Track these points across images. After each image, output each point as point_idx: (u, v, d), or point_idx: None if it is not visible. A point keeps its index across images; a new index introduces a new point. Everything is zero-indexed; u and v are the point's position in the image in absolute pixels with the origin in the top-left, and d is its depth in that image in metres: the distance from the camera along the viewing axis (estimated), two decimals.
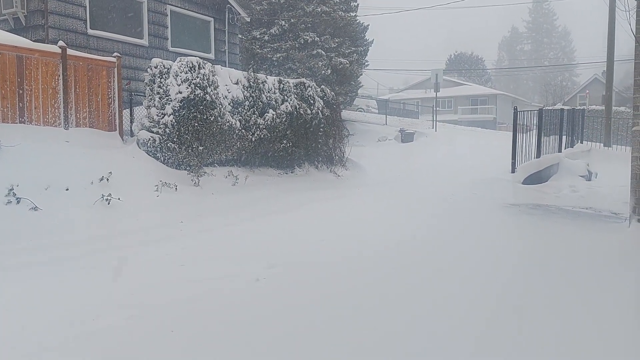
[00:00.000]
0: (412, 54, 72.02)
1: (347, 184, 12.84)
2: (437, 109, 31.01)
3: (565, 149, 15.82)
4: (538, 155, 13.48)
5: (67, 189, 7.53)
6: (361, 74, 26.81)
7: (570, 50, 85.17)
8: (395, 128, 27.28)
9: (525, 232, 7.55)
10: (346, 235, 6.74)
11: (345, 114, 17.78)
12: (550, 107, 16.54)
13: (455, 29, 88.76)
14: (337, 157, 14.40)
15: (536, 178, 12.69)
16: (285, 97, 12.37)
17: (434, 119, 29.03)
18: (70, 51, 9.13)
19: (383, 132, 26.69)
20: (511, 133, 13.38)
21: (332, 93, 14.61)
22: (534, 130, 13.79)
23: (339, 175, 13.71)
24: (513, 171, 12.68)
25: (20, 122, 8.41)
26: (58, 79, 8.90)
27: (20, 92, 8.41)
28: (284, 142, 12.09)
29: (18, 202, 6.86)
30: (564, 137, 15.81)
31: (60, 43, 9.09)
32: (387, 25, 55.44)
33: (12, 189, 6.92)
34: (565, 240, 6.84)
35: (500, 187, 11.48)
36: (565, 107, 16.87)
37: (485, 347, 3.42)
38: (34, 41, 9.71)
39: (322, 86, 14.46)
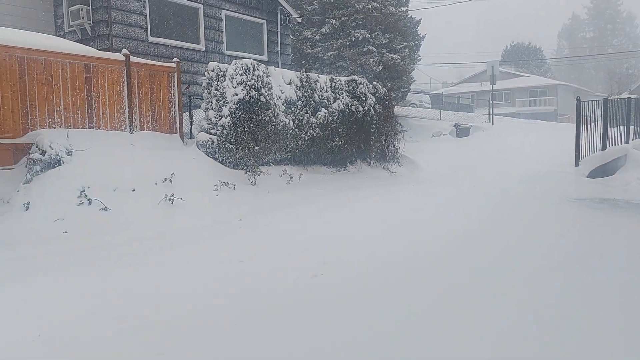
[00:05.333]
0: (466, 47, 70.30)
1: (401, 180, 12.74)
2: (494, 102, 30.13)
3: (633, 139, 14.99)
4: (603, 147, 12.87)
5: (133, 190, 7.93)
6: (413, 69, 26.47)
7: (636, 36, 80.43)
8: (449, 123, 26.77)
9: (597, 228, 7.21)
10: (401, 232, 6.70)
11: (397, 109, 17.62)
12: (616, 97, 15.69)
13: (510, 19, 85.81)
14: (390, 153, 14.32)
15: (602, 171, 12.13)
16: (337, 95, 12.44)
17: (491, 112, 28.23)
18: (133, 58, 9.59)
19: (437, 127, 26.25)
20: (573, 125, 12.84)
21: (384, 89, 14.53)
22: (599, 121, 13.16)
23: (392, 172, 13.62)
24: (577, 164, 12.17)
25: (89, 127, 8.92)
26: (123, 85, 9.37)
27: (89, 99, 8.92)
28: (336, 139, 12.16)
29: (89, 202, 7.30)
30: (631, 128, 14.98)
31: (124, 51, 9.57)
32: (439, 19, 54.32)
33: (83, 191, 7.37)
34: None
35: (563, 181, 11.06)
36: (633, 96, 15.97)
37: None
38: (99, 50, 10.26)
39: (374, 82, 14.41)
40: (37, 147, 7.88)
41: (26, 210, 6.88)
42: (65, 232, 6.60)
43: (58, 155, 7.77)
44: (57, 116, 8.50)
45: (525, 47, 65.80)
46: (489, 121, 27.97)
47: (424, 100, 40.62)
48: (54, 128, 8.40)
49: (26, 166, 7.80)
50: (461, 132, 23.94)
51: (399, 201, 9.25)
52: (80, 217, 7.03)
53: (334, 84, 12.45)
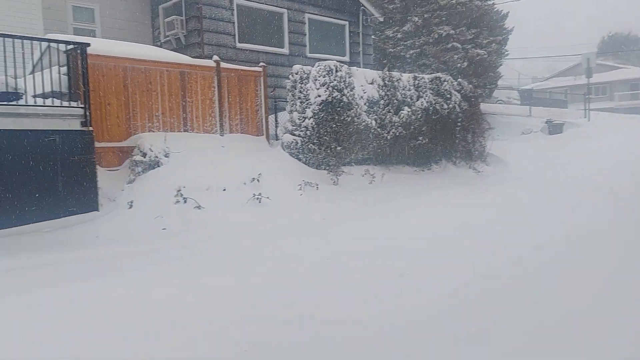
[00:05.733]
0: (557, 40, 66.22)
1: (488, 180, 12.30)
2: (590, 96, 28.15)
3: None
4: None
5: (224, 190, 8.35)
6: (500, 64, 25.40)
7: None
8: (540, 119, 25.37)
9: None
10: (489, 233, 6.49)
11: (484, 107, 17.01)
12: None
13: (607, 8, 79.67)
14: (476, 152, 13.87)
15: None
16: (421, 93, 12.27)
17: (587, 107, 26.41)
18: (223, 64, 10.09)
19: (527, 124, 24.99)
20: None
21: (470, 86, 14.11)
22: None
23: (478, 171, 13.19)
24: None
25: (183, 131, 9.50)
26: (213, 90, 9.88)
27: (183, 104, 9.50)
28: (420, 138, 11.99)
29: (185, 201, 7.79)
30: None
31: (215, 57, 10.09)
32: (528, 11, 51.66)
33: (179, 190, 7.87)
34: None
35: None
36: None
37: None
38: (192, 57, 10.88)
39: (459, 79, 14.04)
40: (138, 149, 8.53)
41: (130, 208, 7.47)
42: (164, 229, 7.09)
43: (157, 157, 8.36)
44: (156, 121, 9.14)
45: (624, 37, 60.70)
46: (585, 117, 26.18)
47: (512, 97, 38.83)
48: (153, 132, 9.05)
49: (129, 167, 8.47)
50: (554, 128, 22.60)
51: (486, 201, 8.95)
52: (177, 214, 7.52)
53: (417, 82, 12.30)
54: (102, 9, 13.01)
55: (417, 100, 12.12)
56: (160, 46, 13.19)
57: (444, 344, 3.30)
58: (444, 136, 12.73)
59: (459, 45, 21.17)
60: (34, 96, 7.16)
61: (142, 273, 5.07)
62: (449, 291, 4.23)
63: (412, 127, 11.76)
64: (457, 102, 13.08)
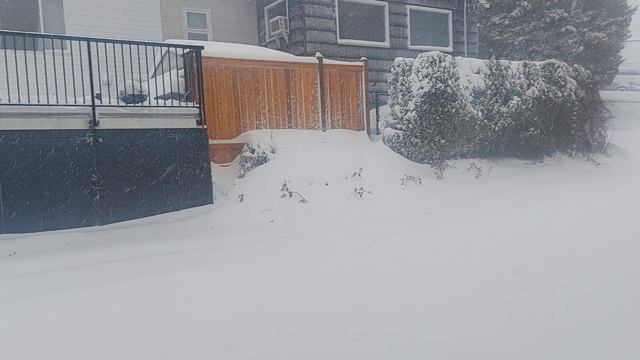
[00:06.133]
0: None
1: (609, 172, 11.31)
2: None
3: None
4: None
5: (326, 184, 8.51)
6: (622, 47, 23.10)
7: None
8: None
9: None
10: (618, 230, 5.94)
11: (603, 94, 15.63)
12: None
13: None
14: (595, 142, 12.80)
15: None
16: (532, 81, 11.56)
17: None
18: (325, 60, 10.25)
19: None
20: None
21: (587, 72, 13.03)
22: None
23: (598, 164, 12.16)
24: None
25: (288, 127, 9.80)
26: (316, 87, 10.08)
27: (288, 101, 9.80)
28: (531, 129, 11.30)
29: (290, 195, 8.05)
30: None
31: (318, 54, 10.28)
32: None
33: (285, 185, 8.15)
34: None
35: None
36: None
37: None
38: (295, 55, 11.19)
39: (575, 65, 13.02)
40: (247, 146, 8.95)
41: (240, 201, 7.87)
42: (272, 221, 7.39)
43: (264, 153, 8.71)
44: (263, 118, 9.53)
45: None
46: None
47: (635, 82, 35.18)
48: (260, 129, 9.44)
49: (239, 163, 8.92)
50: None
51: (607, 196, 8.23)
52: (283, 208, 7.81)
53: (527, 69, 11.60)
54: (213, 14, 13.81)
55: (528, 89, 11.43)
56: (266, 46, 13.70)
57: None
58: (558, 126, 11.88)
59: (573, 29, 19.61)
60: (156, 98, 7.79)
61: (251, 262, 5.33)
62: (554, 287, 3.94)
63: (522, 118, 11.12)
64: (573, 90, 12.14)
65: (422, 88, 9.93)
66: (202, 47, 7.99)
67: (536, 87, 11.46)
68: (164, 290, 4.35)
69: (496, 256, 4.91)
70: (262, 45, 13.88)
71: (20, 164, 6.57)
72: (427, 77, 9.93)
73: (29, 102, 6.64)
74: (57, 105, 6.84)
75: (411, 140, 9.98)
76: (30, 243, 6.23)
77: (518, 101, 11.08)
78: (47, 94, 6.75)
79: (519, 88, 11.27)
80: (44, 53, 6.68)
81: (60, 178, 6.81)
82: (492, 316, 3.43)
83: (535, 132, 11.36)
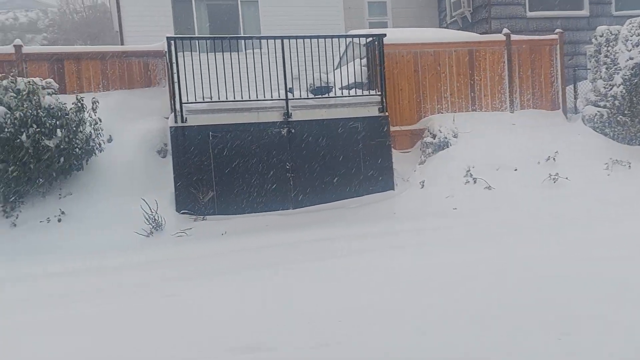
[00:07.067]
0: None
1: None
2: None
3: None
4: None
5: (515, 170, 7.98)
6: None
7: None
8: None
9: None
10: None
11: None
12: None
13: None
14: None
15: None
16: None
17: None
18: (512, 36, 9.55)
19: None
20: None
21: None
22: None
23: None
24: None
25: (471, 110, 9.41)
26: (503, 65, 9.47)
27: (471, 83, 9.40)
28: None
29: (474, 181, 7.75)
30: None
31: (505, 30, 9.63)
32: None
33: (468, 170, 7.87)
34: None
35: None
36: None
37: None
38: (479, 34, 10.63)
39: None
40: (428, 131, 8.85)
41: (421, 188, 7.84)
42: (455, 209, 7.21)
43: (446, 138, 8.52)
44: (444, 102, 9.30)
45: None
46: None
47: None
48: (442, 113, 9.24)
49: (420, 149, 8.87)
50: None
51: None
52: (467, 194, 7.55)
53: None
54: (393, 1, 13.87)
55: None
56: (447, 27, 13.31)
57: None
58: None
59: None
60: (340, 88, 8.15)
61: (432, 249, 5.27)
62: None
63: None
64: None
65: (631, 59, 8.62)
66: (384, 35, 8.09)
67: None
68: (353, 272, 4.56)
69: None
70: (442, 27, 13.51)
71: (231, 153, 7.49)
72: (637, 46, 8.59)
73: (234, 98, 7.51)
74: (257, 101, 7.61)
75: (618, 118, 8.77)
76: (235, 224, 7.09)
77: None
78: (249, 91, 7.55)
79: None
80: (245, 53, 7.49)
81: (261, 166, 7.60)
82: None
83: None
